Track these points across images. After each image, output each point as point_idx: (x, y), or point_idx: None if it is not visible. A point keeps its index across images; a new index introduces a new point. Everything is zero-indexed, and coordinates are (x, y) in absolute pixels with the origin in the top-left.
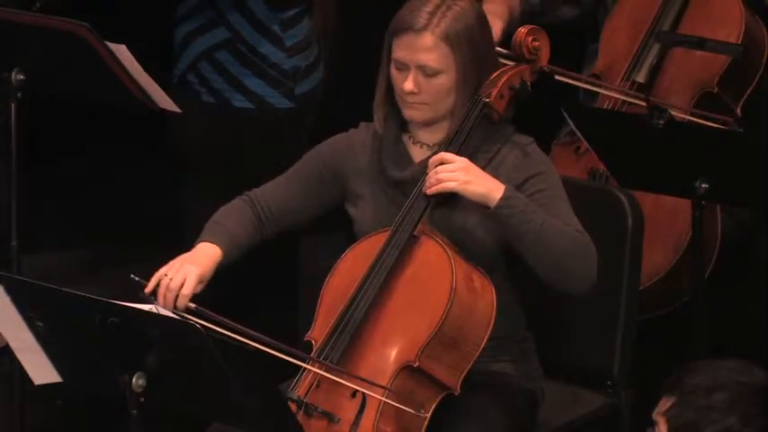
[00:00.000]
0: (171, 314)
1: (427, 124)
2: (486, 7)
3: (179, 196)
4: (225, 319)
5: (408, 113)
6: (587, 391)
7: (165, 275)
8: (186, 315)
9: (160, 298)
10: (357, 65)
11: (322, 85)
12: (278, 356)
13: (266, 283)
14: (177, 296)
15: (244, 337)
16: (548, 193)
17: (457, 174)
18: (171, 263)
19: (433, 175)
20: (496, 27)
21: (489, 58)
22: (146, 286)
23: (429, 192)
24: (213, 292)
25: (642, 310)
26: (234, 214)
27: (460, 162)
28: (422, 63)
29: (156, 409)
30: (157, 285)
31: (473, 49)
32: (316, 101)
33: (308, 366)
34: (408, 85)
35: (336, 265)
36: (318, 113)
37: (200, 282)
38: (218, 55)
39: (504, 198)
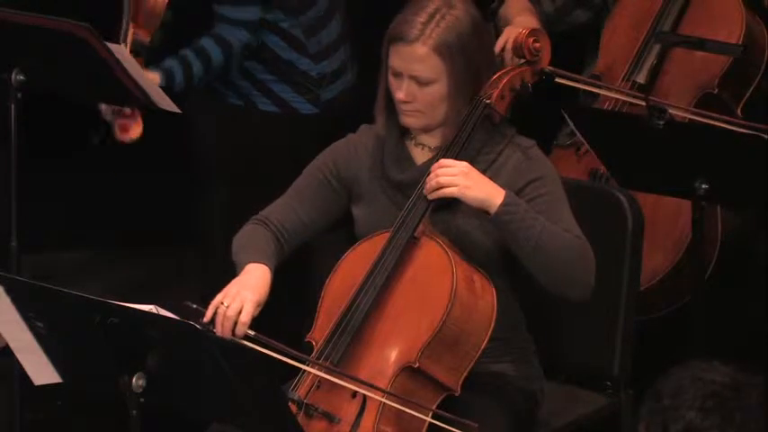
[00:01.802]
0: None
1: (424, 130)
2: (518, 20)
3: (180, 196)
4: (283, 346)
5: (404, 120)
6: (587, 391)
7: (222, 303)
8: (245, 342)
9: (218, 326)
10: (367, 69)
11: (350, 90)
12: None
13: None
14: (236, 323)
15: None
16: (548, 198)
17: (457, 178)
18: (226, 289)
19: (433, 179)
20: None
21: (486, 65)
22: (203, 315)
23: (429, 197)
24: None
25: (642, 310)
26: (258, 236)
27: (461, 167)
28: (414, 73)
29: (156, 409)
30: (215, 314)
31: (466, 58)
32: (342, 106)
33: (309, 369)
34: (400, 94)
35: (337, 266)
36: (343, 117)
37: (257, 306)
38: (246, 63)
39: (503, 204)
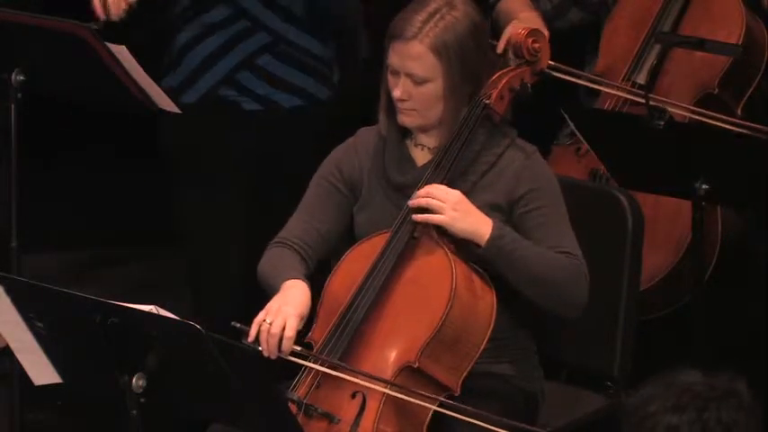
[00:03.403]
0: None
1: (421, 130)
2: (523, 16)
3: (182, 198)
4: (330, 359)
5: (400, 118)
6: (587, 392)
7: (265, 321)
8: (291, 358)
9: (263, 344)
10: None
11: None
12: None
13: None
14: (281, 339)
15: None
16: (545, 211)
17: (445, 206)
18: (268, 307)
19: (423, 198)
20: None
21: (485, 68)
22: (248, 333)
23: (413, 217)
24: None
25: (642, 310)
26: (285, 256)
27: (452, 195)
28: (410, 71)
29: (156, 409)
30: (259, 332)
31: (463, 59)
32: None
33: (312, 365)
34: (397, 92)
35: (337, 267)
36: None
37: (300, 320)
38: (260, 60)
39: (491, 238)
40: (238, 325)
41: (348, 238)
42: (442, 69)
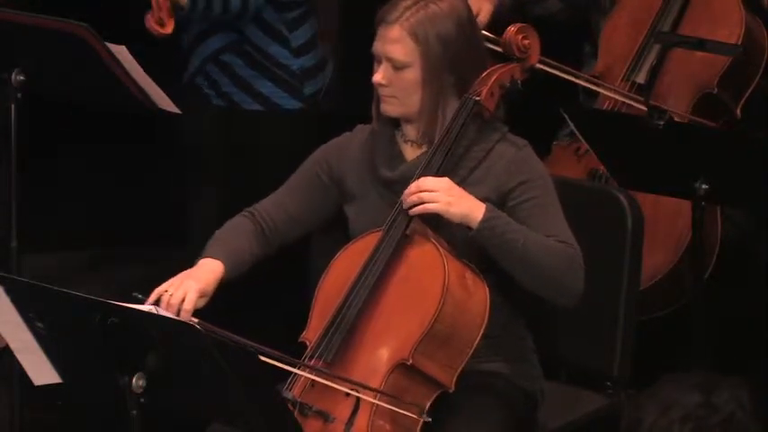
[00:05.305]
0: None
1: (404, 120)
2: None
3: (180, 197)
4: (228, 333)
5: (382, 107)
6: (587, 392)
7: (166, 291)
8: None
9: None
10: (361, 64)
11: (331, 85)
12: (269, 362)
13: (271, 284)
14: (179, 311)
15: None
16: (538, 201)
17: (438, 194)
18: (172, 279)
19: (414, 191)
20: (485, 9)
21: (470, 61)
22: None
23: (410, 213)
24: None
25: (642, 310)
26: (236, 230)
27: (443, 183)
28: (389, 55)
29: (156, 408)
30: (158, 301)
31: (443, 47)
32: (324, 101)
33: (299, 372)
34: (377, 76)
35: (330, 266)
36: (328, 113)
37: (201, 296)
38: (225, 57)
39: (484, 220)
40: (140, 296)
41: (343, 237)
42: (420, 55)
